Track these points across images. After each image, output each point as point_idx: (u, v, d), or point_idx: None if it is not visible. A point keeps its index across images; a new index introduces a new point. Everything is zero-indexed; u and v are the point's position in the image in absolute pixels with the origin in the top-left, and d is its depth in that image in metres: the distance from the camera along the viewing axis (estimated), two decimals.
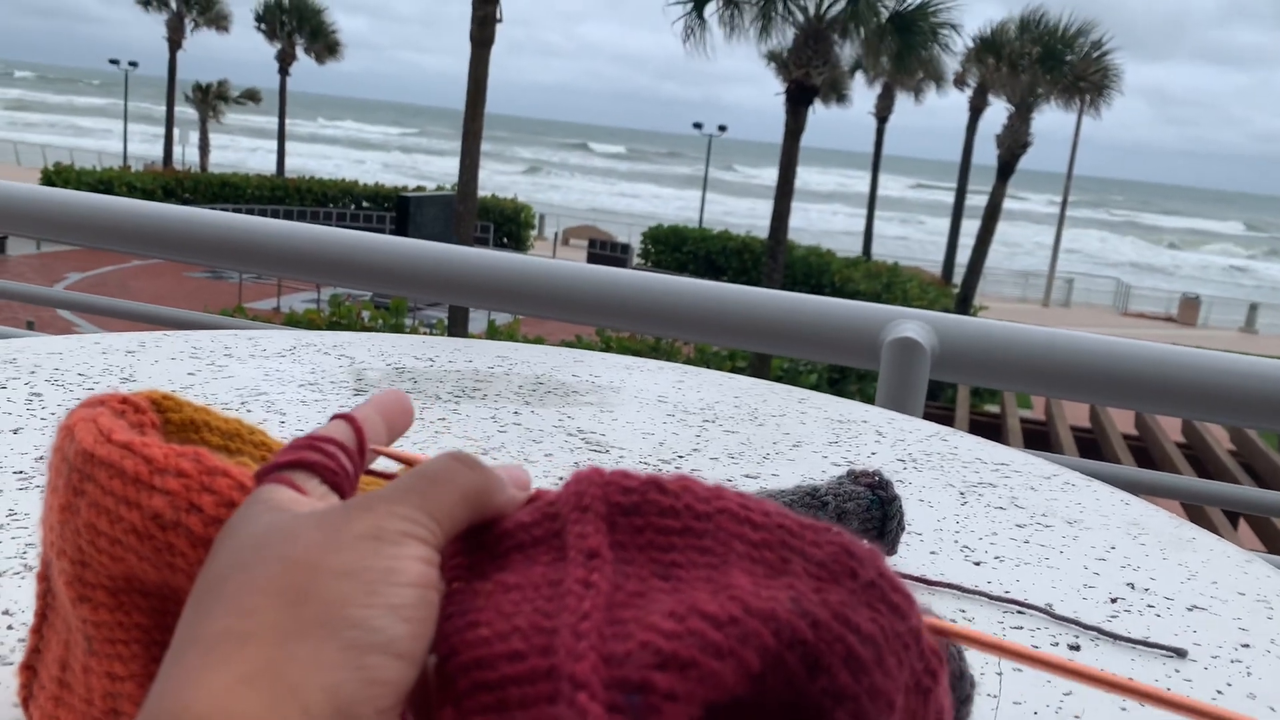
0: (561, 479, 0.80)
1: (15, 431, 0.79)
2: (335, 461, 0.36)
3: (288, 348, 1.11)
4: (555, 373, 1.14)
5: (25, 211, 1.84)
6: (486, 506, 0.34)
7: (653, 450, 0.91)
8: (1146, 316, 28.51)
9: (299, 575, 0.29)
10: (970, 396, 11.12)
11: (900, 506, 0.68)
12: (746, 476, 0.87)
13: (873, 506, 0.68)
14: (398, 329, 10.13)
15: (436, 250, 1.78)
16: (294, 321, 9.66)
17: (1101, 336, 1.59)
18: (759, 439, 0.99)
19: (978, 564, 0.74)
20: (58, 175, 21.65)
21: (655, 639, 0.29)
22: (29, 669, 0.44)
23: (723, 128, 31.10)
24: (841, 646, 0.31)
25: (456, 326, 7.60)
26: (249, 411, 0.89)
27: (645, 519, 0.34)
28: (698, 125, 31.65)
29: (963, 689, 0.49)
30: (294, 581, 0.29)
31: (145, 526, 0.38)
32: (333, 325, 9.50)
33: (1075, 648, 0.63)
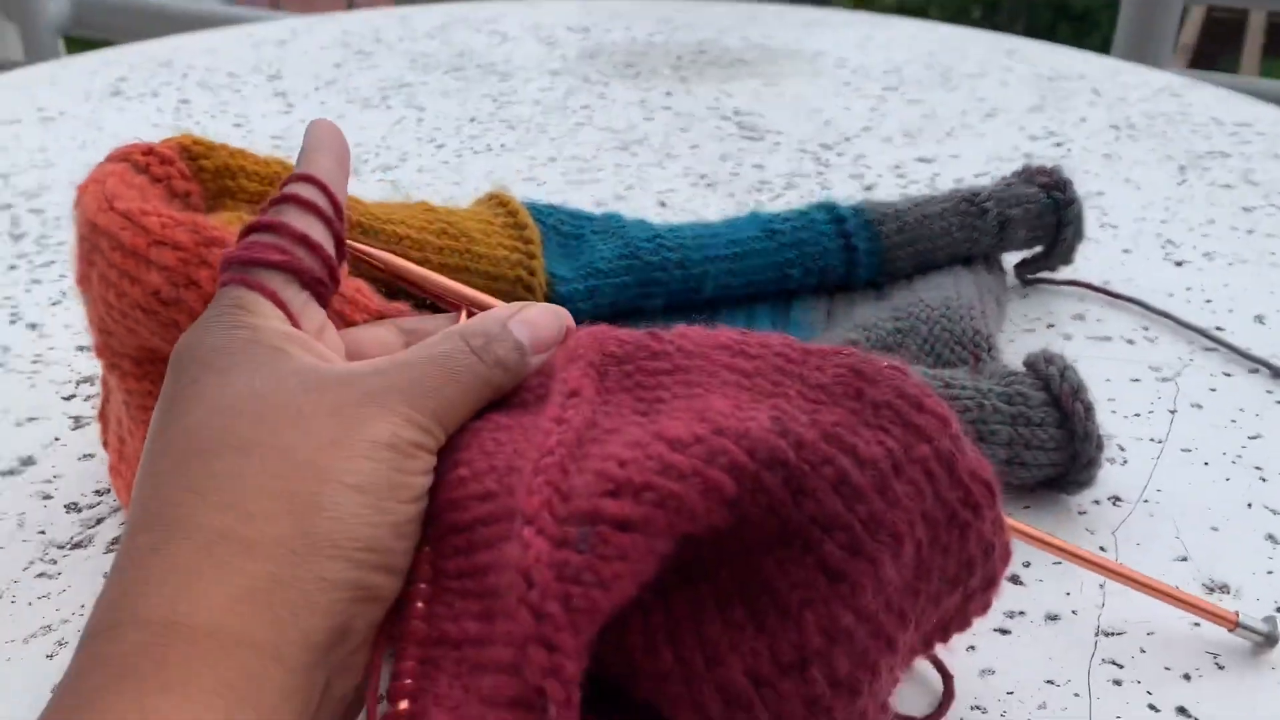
0: (703, 177, 0.74)
1: None
2: (319, 261, 0.32)
3: (438, 26, 1.05)
4: (722, 36, 1.02)
5: None
6: (500, 395, 0.32)
7: (815, 132, 0.82)
8: None
9: (309, 480, 0.26)
10: None
11: (1079, 210, 0.58)
12: (920, 160, 0.77)
13: (1045, 211, 0.58)
14: None
15: None
16: None
17: None
18: (946, 108, 0.87)
19: (1179, 264, 0.63)
20: None
21: (609, 466, 0.25)
22: (103, 417, 0.45)
23: None
24: (831, 469, 0.26)
25: None
26: (389, 107, 0.86)
27: (635, 364, 0.31)
28: None
29: (1087, 450, 0.42)
30: (303, 487, 0.26)
31: (147, 302, 0.36)
32: None
33: None
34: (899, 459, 0.26)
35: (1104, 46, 1.30)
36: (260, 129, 0.81)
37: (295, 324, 0.31)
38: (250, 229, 0.32)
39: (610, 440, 0.27)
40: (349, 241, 0.37)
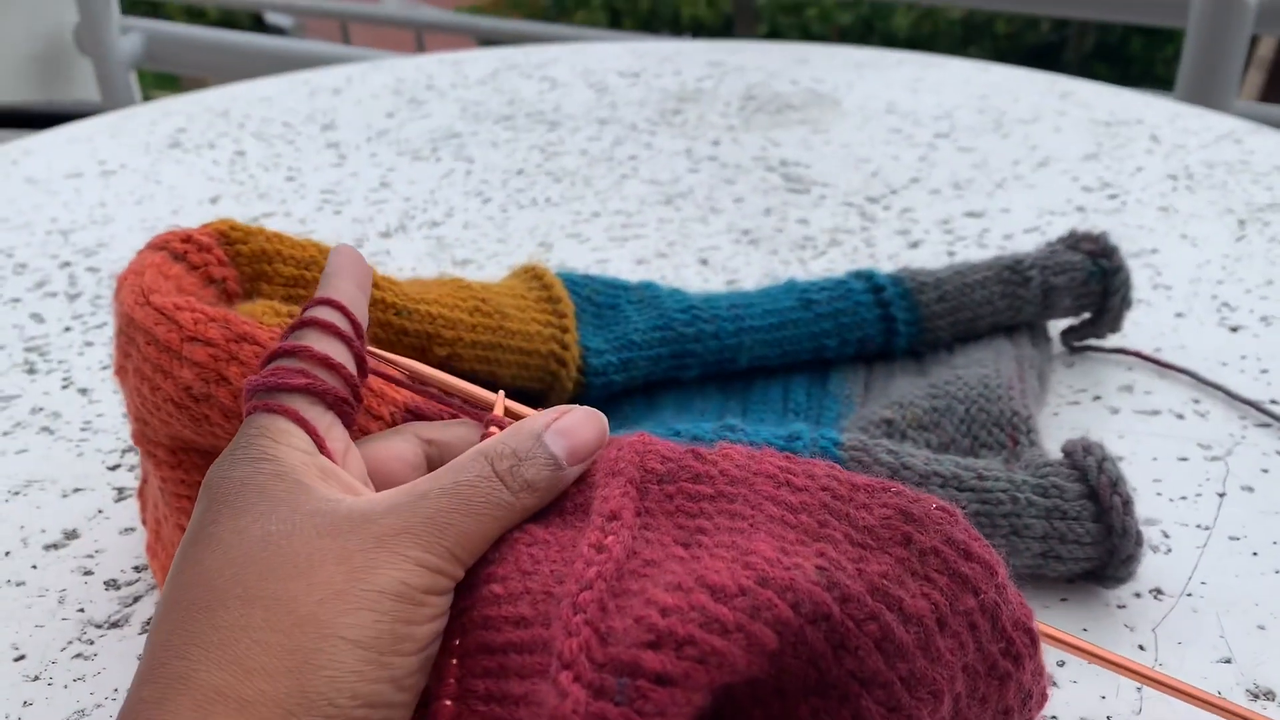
0: (746, 232, 0.73)
1: (214, 200, 0.81)
2: (341, 381, 0.33)
3: (489, 73, 1.06)
4: (772, 81, 1.02)
5: None
6: (531, 514, 0.31)
7: (862, 184, 0.81)
8: None
9: (309, 635, 0.26)
10: None
11: (1127, 277, 0.56)
12: (969, 215, 0.76)
13: (1091, 279, 0.56)
14: None
15: None
16: None
17: None
18: (998, 156, 0.85)
19: (1234, 329, 0.61)
20: None
21: (651, 614, 0.25)
22: (142, 496, 0.46)
23: None
24: (875, 625, 0.26)
25: None
26: (439, 160, 0.87)
27: (677, 485, 0.30)
28: None
29: (1126, 547, 0.41)
30: (304, 643, 0.26)
31: (180, 397, 0.37)
32: None
33: None
34: (944, 613, 0.26)
35: (1178, 56, 1.27)
36: (312, 183, 0.83)
37: (321, 445, 0.31)
38: (273, 355, 0.33)
39: (652, 576, 0.27)
40: (372, 349, 0.37)
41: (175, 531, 0.40)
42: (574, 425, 0.32)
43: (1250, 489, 0.49)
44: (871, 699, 0.26)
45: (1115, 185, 0.80)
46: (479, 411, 0.38)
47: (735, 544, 0.27)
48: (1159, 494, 0.49)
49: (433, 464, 0.35)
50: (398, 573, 0.27)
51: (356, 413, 0.33)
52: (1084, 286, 0.57)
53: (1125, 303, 0.57)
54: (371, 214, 0.77)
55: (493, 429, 0.35)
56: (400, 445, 0.35)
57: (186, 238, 0.43)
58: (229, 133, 0.93)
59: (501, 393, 0.37)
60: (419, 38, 6.55)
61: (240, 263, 0.44)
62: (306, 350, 0.32)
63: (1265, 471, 0.50)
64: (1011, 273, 0.56)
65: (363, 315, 0.35)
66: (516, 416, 0.36)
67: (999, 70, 1.05)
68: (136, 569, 0.45)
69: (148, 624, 0.42)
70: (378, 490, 0.33)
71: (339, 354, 0.33)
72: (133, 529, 0.48)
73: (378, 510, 0.29)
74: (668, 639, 0.24)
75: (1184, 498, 0.48)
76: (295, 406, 0.31)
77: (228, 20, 5.84)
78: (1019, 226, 0.74)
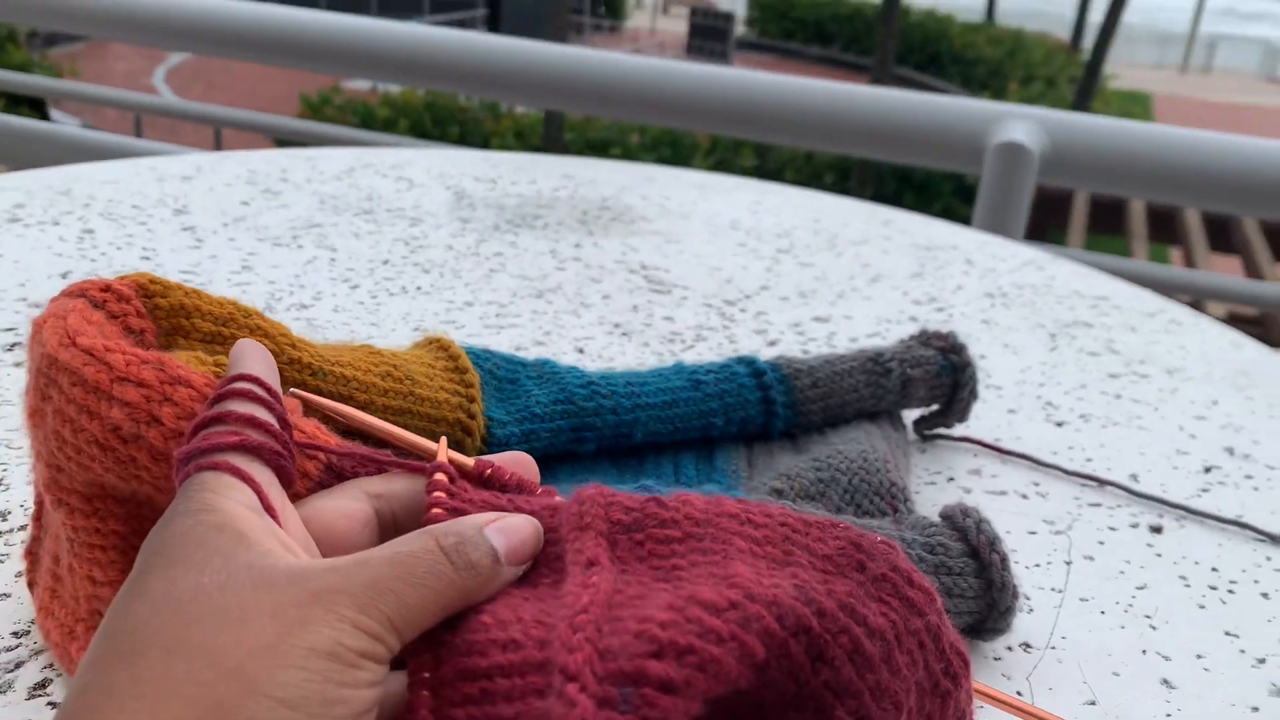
0: (618, 326, 0.76)
1: (64, 275, 0.77)
2: (270, 437, 0.33)
3: (345, 169, 1.07)
4: (623, 194, 1.07)
5: (100, 12, 1.80)
6: (470, 603, 0.30)
7: (718, 289, 0.86)
8: None
9: (234, 690, 0.24)
10: None
11: (973, 373, 0.63)
12: (816, 320, 0.82)
13: (943, 372, 0.62)
14: (494, 109, 9.99)
15: (525, 50, 1.69)
16: (390, 102, 9.58)
17: (1233, 137, 1.44)
18: (835, 272, 0.93)
19: (1060, 425, 0.68)
20: None
21: (650, 628, 0.27)
22: (31, 555, 0.43)
23: None
24: (847, 639, 0.28)
25: (551, 125, 7.45)
26: (300, 247, 0.86)
27: (645, 533, 0.32)
28: None
29: (1004, 599, 0.45)
30: (227, 698, 0.24)
31: (106, 438, 0.36)
32: (429, 106, 9.40)
33: (1156, 529, 0.58)
34: (900, 630, 0.29)
35: (945, 213, 1.41)
36: (170, 263, 0.81)
37: (263, 499, 0.31)
38: (200, 425, 0.32)
39: (641, 604, 0.28)
40: (299, 392, 0.38)
41: (84, 583, 0.38)
42: (515, 527, 0.32)
43: (1091, 558, 0.54)
44: (845, 709, 0.28)
45: (941, 300, 0.88)
46: (414, 464, 0.38)
47: (713, 573, 0.29)
48: (1016, 562, 0.53)
49: (383, 518, 0.35)
50: (332, 631, 0.26)
51: (291, 468, 0.33)
52: (936, 379, 0.62)
53: (973, 395, 0.63)
54: (236, 295, 0.75)
55: (438, 475, 0.36)
56: (346, 503, 0.34)
57: (105, 286, 0.42)
58: (74, 211, 0.89)
59: (444, 439, 0.38)
60: (217, 133, 6.42)
61: (158, 316, 0.44)
62: (233, 414, 0.32)
63: (1101, 544, 0.56)
64: (874, 364, 0.61)
65: (276, 386, 0.35)
66: (457, 466, 0.37)
67: (827, 198, 1.14)
68: (16, 634, 0.42)
69: (37, 687, 0.40)
70: (325, 550, 0.32)
71: (263, 414, 0.33)
72: (8, 594, 0.45)
73: (317, 569, 0.28)
74: (669, 649, 0.26)
75: (1037, 565, 0.54)
76: (233, 462, 0.31)
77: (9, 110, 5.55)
78: (862, 332, 0.81)
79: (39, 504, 0.44)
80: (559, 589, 0.30)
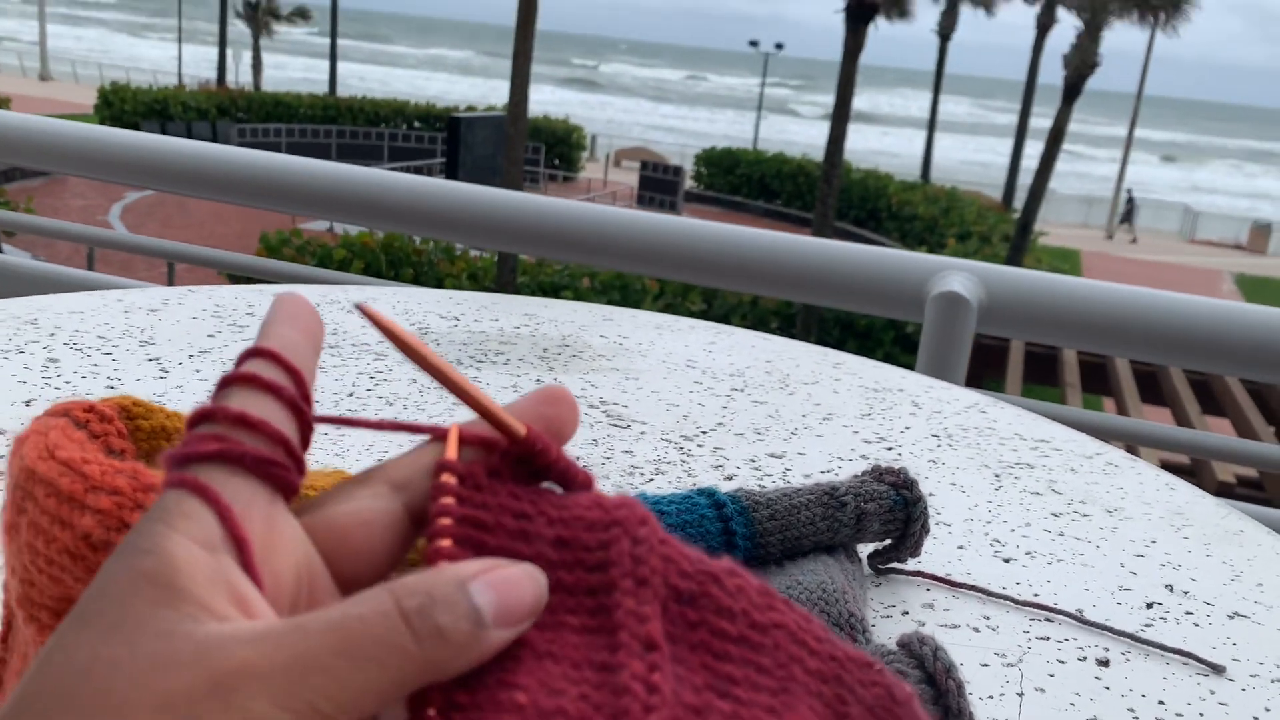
0: (579, 459, 0.78)
1: (28, 403, 0.78)
2: (264, 439, 0.28)
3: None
4: (582, 333, 1.11)
5: (59, 148, 1.83)
6: (441, 677, 0.25)
7: (676, 425, 0.88)
8: (1214, 244, 27.73)
9: None
10: None
11: (925, 508, 0.65)
12: (771, 456, 0.84)
13: (895, 507, 0.65)
14: (449, 251, 10.17)
15: (482, 195, 1.75)
16: (348, 244, 9.73)
17: (1161, 292, 1.52)
18: (788, 410, 0.96)
19: (1007, 561, 0.71)
20: (114, 94, 21.80)
21: None
22: None
23: (779, 45, 30.46)
24: None
25: (504, 267, 7.63)
26: None
27: (701, 614, 0.29)
28: (754, 43, 31.04)
29: None
30: None
31: (76, 547, 0.36)
32: (385, 248, 9.56)
33: (1104, 662, 0.60)
34: None
35: (887, 360, 1.47)
36: (135, 391, 0.82)
37: (234, 528, 0.26)
38: (192, 421, 0.28)
39: None
40: (366, 307, 0.31)
41: None
42: (510, 580, 0.26)
43: (1042, 690, 0.56)
44: None
45: (889, 439, 0.91)
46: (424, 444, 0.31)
47: (773, 709, 0.28)
48: (971, 693, 0.55)
49: (413, 513, 0.29)
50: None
51: (292, 473, 0.28)
52: (890, 513, 0.65)
53: (925, 529, 0.65)
54: None
55: (445, 476, 0.29)
56: (364, 503, 0.29)
57: (89, 407, 0.43)
58: (39, 340, 0.90)
59: (455, 426, 0.31)
60: (170, 269, 6.44)
61: (139, 438, 0.45)
62: (221, 411, 0.27)
63: (1051, 676, 0.58)
64: (830, 498, 0.63)
65: (304, 363, 0.30)
66: (486, 441, 0.30)
67: (778, 340, 1.18)
68: None
69: None
70: (343, 570, 0.28)
71: (264, 409, 0.28)
72: None
73: (240, 638, 0.23)
74: None
75: (990, 696, 0.55)
76: (206, 478, 0.26)
77: None
78: (815, 468, 0.83)
79: (7, 624, 0.44)
80: (608, 659, 0.27)
